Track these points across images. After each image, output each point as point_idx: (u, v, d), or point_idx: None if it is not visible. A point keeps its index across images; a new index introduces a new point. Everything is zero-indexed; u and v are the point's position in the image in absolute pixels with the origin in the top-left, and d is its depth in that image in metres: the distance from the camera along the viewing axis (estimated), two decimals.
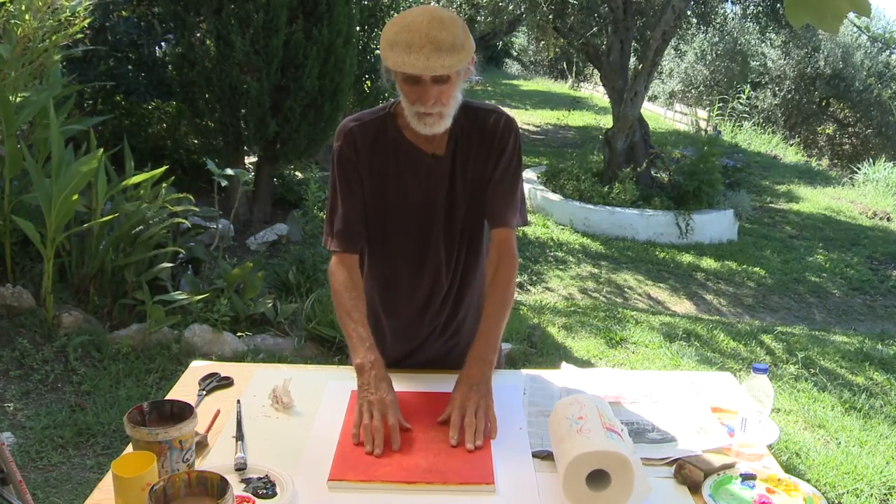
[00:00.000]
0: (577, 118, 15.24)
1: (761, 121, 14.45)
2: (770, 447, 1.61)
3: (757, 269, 6.98)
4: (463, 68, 1.61)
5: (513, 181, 1.80)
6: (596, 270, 6.52)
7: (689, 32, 12.05)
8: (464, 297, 1.88)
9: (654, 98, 16.51)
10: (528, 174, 9.15)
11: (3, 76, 3.80)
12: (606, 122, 12.01)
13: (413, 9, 1.60)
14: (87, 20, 4.23)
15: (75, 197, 3.64)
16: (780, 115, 14.51)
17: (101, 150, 3.87)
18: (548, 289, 5.91)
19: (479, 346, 1.70)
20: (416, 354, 1.90)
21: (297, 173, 6.83)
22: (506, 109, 1.87)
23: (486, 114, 1.79)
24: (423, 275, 1.82)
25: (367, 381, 1.61)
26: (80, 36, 4.25)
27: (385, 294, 1.87)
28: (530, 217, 7.94)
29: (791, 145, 13.67)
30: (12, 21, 3.82)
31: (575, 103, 16.08)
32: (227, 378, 1.83)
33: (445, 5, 10.28)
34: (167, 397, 1.56)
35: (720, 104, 14.40)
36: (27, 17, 3.81)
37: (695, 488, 1.43)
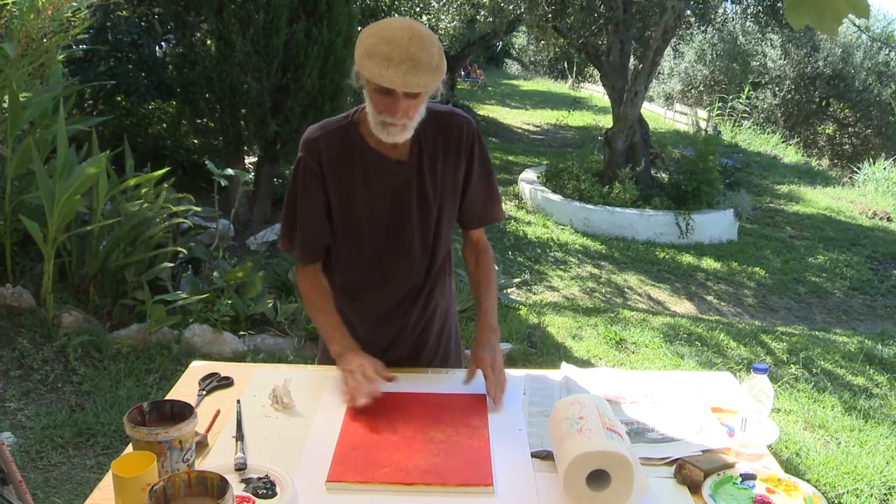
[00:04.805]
0: (577, 118, 15.24)
1: (761, 121, 14.44)
2: (770, 447, 1.61)
3: (757, 269, 6.98)
4: (434, 87, 1.64)
5: (489, 181, 1.90)
6: (596, 271, 6.52)
7: (689, 32, 12.05)
8: (434, 295, 1.93)
9: (652, 98, 16.51)
10: (528, 174, 9.15)
11: (5, 76, 3.80)
12: (606, 122, 12.01)
13: (392, 20, 1.62)
14: (90, 21, 4.23)
15: (78, 197, 3.64)
16: (780, 115, 14.51)
17: (107, 151, 3.88)
18: (548, 289, 5.91)
19: (487, 318, 1.88)
20: (388, 353, 1.92)
21: None
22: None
23: (447, 118, 1.82)
24: (396, 276, 1.86)
25: (345, 360, 1.75)
26: (82, 36, 4.25)
27: (356, 295, 1.91)
28: (531, 217, 7.95)
29: (791, 145, 13.67)
30: (14, 21, 3.82)
31: (575, 103, 16.09)
32: (227, 378, 1.83)
33: (446, 4, 10.29)
34: (167, 397, 1.56)
35: (720, 104, 14.40)
36: (31, 16, 3.81)
37: (695, 488, 1.43)
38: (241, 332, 3.91)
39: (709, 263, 7.00)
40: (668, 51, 13.59)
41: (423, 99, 1.66)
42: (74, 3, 3.99)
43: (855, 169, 11.97)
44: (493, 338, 1.84)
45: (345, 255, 1.88)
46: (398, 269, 1.86)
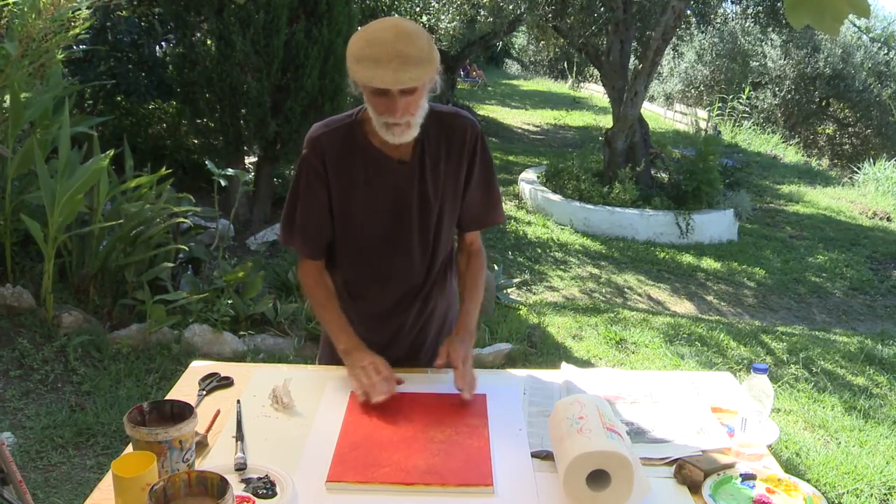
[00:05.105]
0: (577, 118, 15.24)
1: (761, 121, 14.44)
2: (770, 447, 1.61)
3: (757, 269, 6.98)
4: (430, 79, 1.64)
5: (490, 184, 1.90)
6: (596, 271, 6.52)
7: (689, 32, 12.05)
8: (433, 295, 1.93)
9: (652, 98, 16.51)
10: (528, 174, 9.15)
11: (5, 76, 3.80)
12: (606, 122, 12.01)
13: (377, 23, 1.62)
14: (90, 22, 4.23)
15: (80, 197, 3.65)
16: (780, 115, 14.51)
17: (110, 151, 3.89)
18: (548, 289, 5.91)
19: (466, 320, 1.89)
20: (386, 351, 1.92)
21: None
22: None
23: (451, 118, 1.82)
24: (396, 275, 1.87)
25: (355, 357, 1.77)
26: (83, 36, 4.25)
27: (356, 293, 1.91)
28: (531, 217, 7.95)
29: (791, 145, 13.67)
30: (16, 21, 3.81)
31: (575, 103, 16.10)
32: (227, 378, 1.83)
33: (446, 4, 10.29)
34: (167, 397, 1.56)
35: (720, 104, 14.40)
36: (32, 16, 3.81)
37: (695, 488, 1.43)
38: (241, 332, 3.91)
39: (709, 263, 7.00)
40: (668, 51, 13.59)
41: (422, 94, 1.65)
42: (75, 3, 3.99)
43: (855, 169, 11.97)
44: (467, 338, 1.84)
45: (345, 253, 1.88)
46: (397, 269, 1.86)
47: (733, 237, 7.91)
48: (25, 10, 3.81)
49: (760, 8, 9.27)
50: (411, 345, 1.96)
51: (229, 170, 4.22)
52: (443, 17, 10.43)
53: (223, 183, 4.23)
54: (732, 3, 10.07)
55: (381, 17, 8.11)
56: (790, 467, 3.21)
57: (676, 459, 1.49)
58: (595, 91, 19.20)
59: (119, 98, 6.01)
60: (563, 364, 1.95)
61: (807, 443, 3.49)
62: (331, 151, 1.78)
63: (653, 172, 8.50)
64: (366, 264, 1.87)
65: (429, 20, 10.51)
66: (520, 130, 14.37)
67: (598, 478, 1.33)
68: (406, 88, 1.59)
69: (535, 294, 5.71)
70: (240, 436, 1.55)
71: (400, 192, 1.79)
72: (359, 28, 6.48)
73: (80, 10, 4.03)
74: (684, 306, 5.92)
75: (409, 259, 1.85)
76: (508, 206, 8.26)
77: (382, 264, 1.86)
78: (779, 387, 4.07)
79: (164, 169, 4.24)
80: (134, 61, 5.67)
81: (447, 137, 1.80)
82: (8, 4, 3.86)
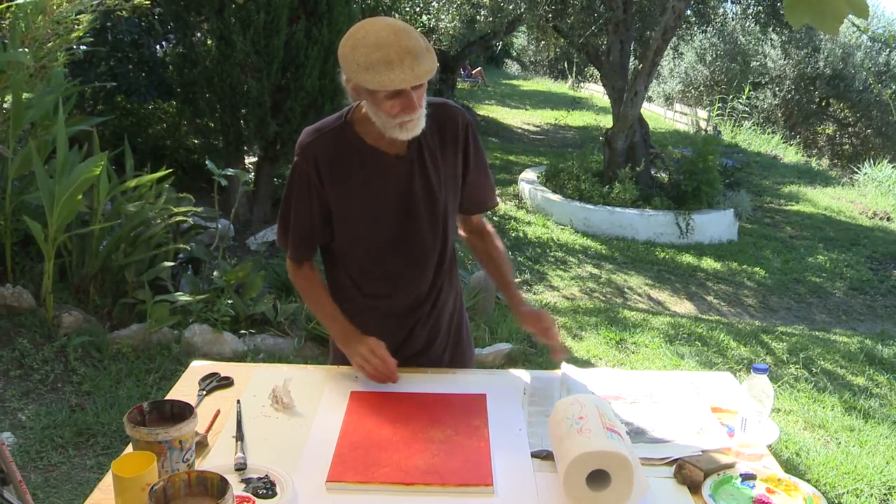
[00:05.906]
0: (577, 118, 15.24)
1: (761, 121, 14.45)
2: (770, 447, 1.61)
3: (757, 269, 6.98)
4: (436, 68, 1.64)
5: (486, 168, 1.93)
6: (596, 271, 6.53)
7: (689, 32, 12.05)
8: (444, 285, 1.93)
9: (652, 98, 16.50)
10: (528, 174, 9.15)
11: (7, 77, 3.80)
12: (606, 122, 12.01)
13: (365, 27, 1.59)
14: (92, 24, 4.23)
15: (79, 197, 3.65)
16: (780, 115, 14.51)
17: (107, 151, 3.89)
18: (548, 289, 5.91)
19: (518, 297, 2.00)
20: (403, 348, 1.91)
21: None
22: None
23: (442, 109, 1.81)
24: (408, 272, 1.85)
25: (351, 349, 1.80)
26: (88, 39, 4.25)
27: (369, 294, 1.89)
28: (531, 217, 7.95)
29: (791, 145, 13.67)
30: (19, 22, 3.81)
31: (575, 103, 16.08)
32: (227, 378, 1.83)
33: (446, 4, 10.30)
34: (167, 397, 1.56)
35: (720, 104, 14.40)
36: (38, 18, 3.81)
37: (695, 488, 1.43)
38: (241, 332, 3.91)
39: (709, 263, 7.00)
40: (668, 51, 13.60)
41: (425, 84, 1.64)
42: (79, 5, 3.99)
43: (855, 169, 11.97)
44: (534, 309, 1.99)
45: (353, 256, 1.86)
46: (410, 266, 1.84)
47: (733, 237, 7.91)
48: (29, 11, 3.81)
49: (760, 8, 9.28)
50: (426, 338, 1.94)
51: (229, 170, 4.22)
52: (443, 17, 10.43)
53: (223, 183, 4.23)
54: (732, 3, 10.08)
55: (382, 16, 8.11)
56: (790, 467, 3.21)
57: (676, 459, 1.49)
58: (595, 91, 19.19)
59: (119, 98, 6.00)
60: (563, 364, 1.95)
61: (807, 443, 3.49)
62: (324, 157, 1.77)
63: (653, 172, 8.50)
64: (375, 264, 1.85)
65: (429, 20, 10.51)
66: (520, 130, 14.37)
67: (598, 478, 1.33)
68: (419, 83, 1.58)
69: (535, 294, 5.71)
70: (240, 436, 1.55)
71: (402, 187, 1.78)
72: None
73: (84, 12, 4.03)
74: (684, 306, 5.92)
75: (421, 255, 1.84)
76: (508, 206, 8.26)
77: (393, 263, 1.84)
78: (779, 387, 4.07)
79: (164, 169, 4.24)
80: (134, 61, 5.66)
81: (440, 128, 1.79)
82: (11, 6, 3.86)
